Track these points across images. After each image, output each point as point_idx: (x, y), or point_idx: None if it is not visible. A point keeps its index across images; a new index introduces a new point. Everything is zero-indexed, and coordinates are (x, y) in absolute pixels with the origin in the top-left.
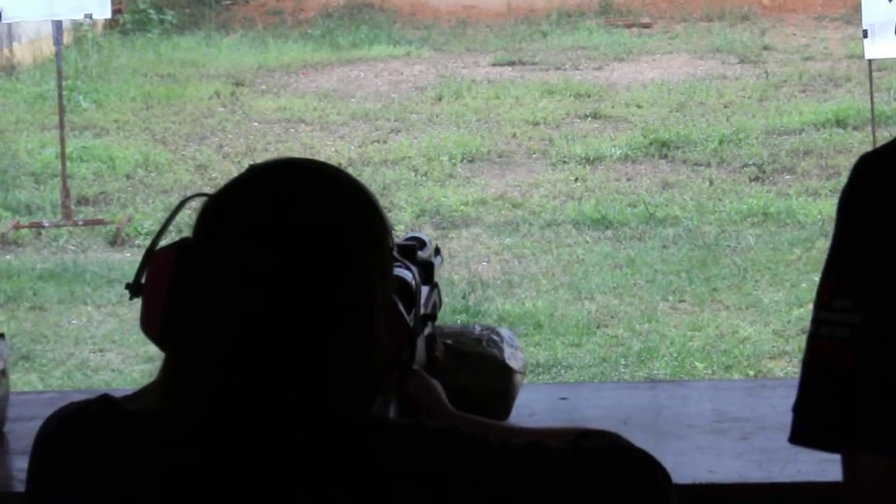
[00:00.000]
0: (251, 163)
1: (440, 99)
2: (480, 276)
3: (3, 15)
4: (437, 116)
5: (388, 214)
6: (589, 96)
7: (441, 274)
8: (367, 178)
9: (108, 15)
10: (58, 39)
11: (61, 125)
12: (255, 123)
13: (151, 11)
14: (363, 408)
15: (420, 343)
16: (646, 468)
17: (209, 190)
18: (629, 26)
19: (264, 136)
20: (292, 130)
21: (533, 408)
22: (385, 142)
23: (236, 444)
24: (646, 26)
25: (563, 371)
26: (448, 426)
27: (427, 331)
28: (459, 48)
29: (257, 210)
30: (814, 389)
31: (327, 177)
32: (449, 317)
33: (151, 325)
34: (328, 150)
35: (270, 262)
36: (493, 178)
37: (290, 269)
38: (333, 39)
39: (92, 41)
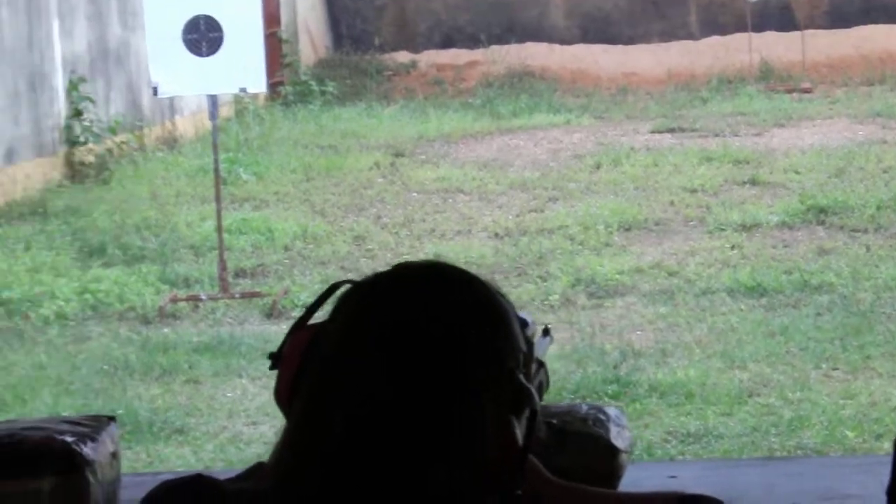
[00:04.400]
0: (408, 234)
1: (598, 167)
2: (633, 346)
3: (158, 90)
4: (595, 184)
5: (543, 284)
6: (748, 162)
7: (546, 353)
8: (524, 247)
9: (263, 89)
10: (213, 114)
11: (217, 198)
12: (414, 194)
13: (313, 83)
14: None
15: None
16: None
17: (359, 273)
18: (789, 91)
19: (422, 207)
20: (450, 200)
21: (641, 486)
22: (542, 210)
23: None
24: (806, 91)
25: (713, 441)
26: None
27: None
28: (619, 115)
29: (389, 311)
30: None
31: (465, 290)
32: (600, 387)
33: (281, 399)
34: (486, 220)
35: (389, 366)
36: (650, 247)
37: (404, 377)
38: (493, 108)
39: (253, 113)
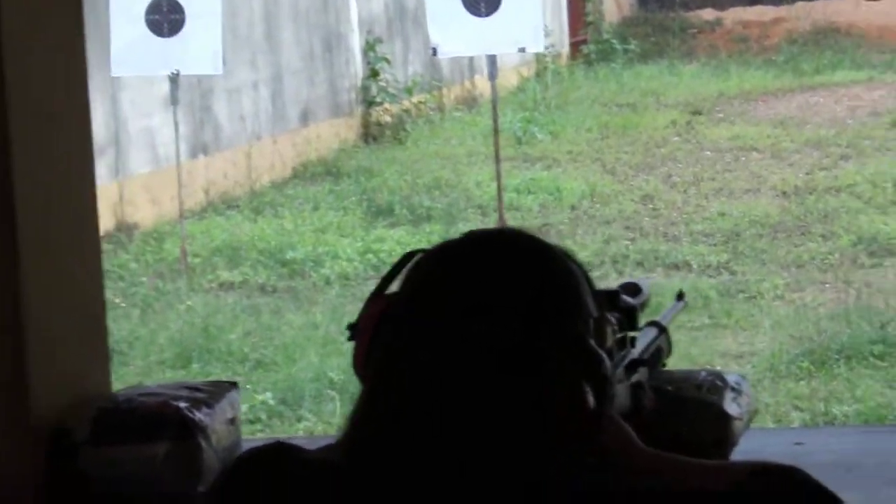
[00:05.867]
0: (696, 192)
1: (895, 125)
2: None
3: (437, 50)
4: (889, 142)
5: (825, 243)
6: None
7: (674, 319)
8: (810, 205)
9: (541, 48)
10: (492, 74)
11: (497, 159)
12: (707, 152)
13: (615, 41)
14: (538, 468)
15: (624, 389)
16: None
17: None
18: None
19: (713, 165)
20: (742, 159)
21: (764, 453)
22: (833, 168)
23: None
24: None
25: None
26: (605, 482)
27: (636, 377)
28: None
29: (456, 279)
30: None
31: (532, 258)
32: (866, 346)
33: (357, 369)
34: (774, 179)
35: (457, 332)
36: None
37: (471, 343)
38: (797, 65)
39: (554, 72)
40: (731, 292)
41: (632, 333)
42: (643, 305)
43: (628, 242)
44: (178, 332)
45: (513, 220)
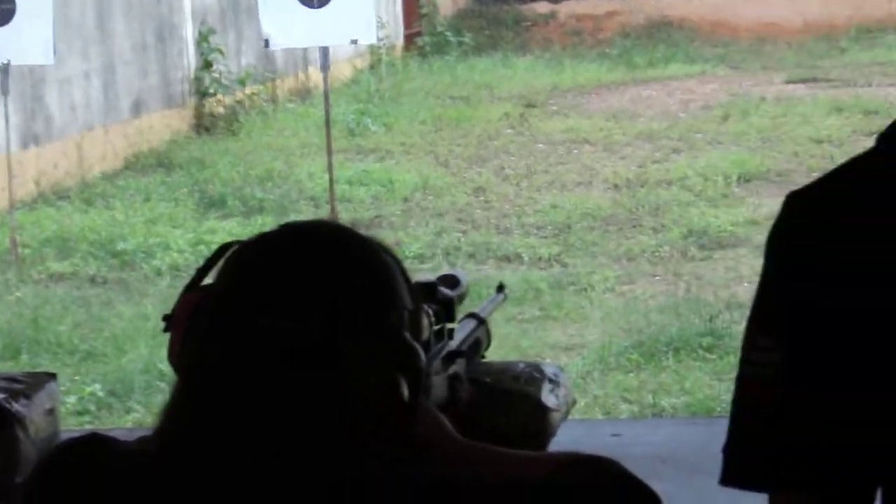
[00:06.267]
0: (528, 185)
1: (727, 118)
2: (738, 299)
3: (270, 42)
4: (721, 135)
5: (656, 236)
6: (877, 113)
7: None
8: (641, 198)
9: (374, 40)
10: (324, 66)
11: (329, 151)
12: (540, 145)
13: (449, 34)
14: (345, 462)
15: (441, 381)
16: (635, 501)
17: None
18: None
19: (546, 158)
20: (575, 151)
21: (581, 444)
22: (664, 161)
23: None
24: None
25: None
26: (421, 473)
27: (453, 368)
28: (755, 66)
29: (270, 270)
30: (740, 430)
31: (347, 249)
32: (694, 339)
33: (172, 360)
34: (606, 171)
35: (269, 324)
36: (769, 198)
37: (284, 335)
38: (630, 59)
39: (388, 64)
40: (562, 284)
41: (450, 325)
42: (461, 297)
43: (460, 235)
44: (6, 324)
45: (345, 212)
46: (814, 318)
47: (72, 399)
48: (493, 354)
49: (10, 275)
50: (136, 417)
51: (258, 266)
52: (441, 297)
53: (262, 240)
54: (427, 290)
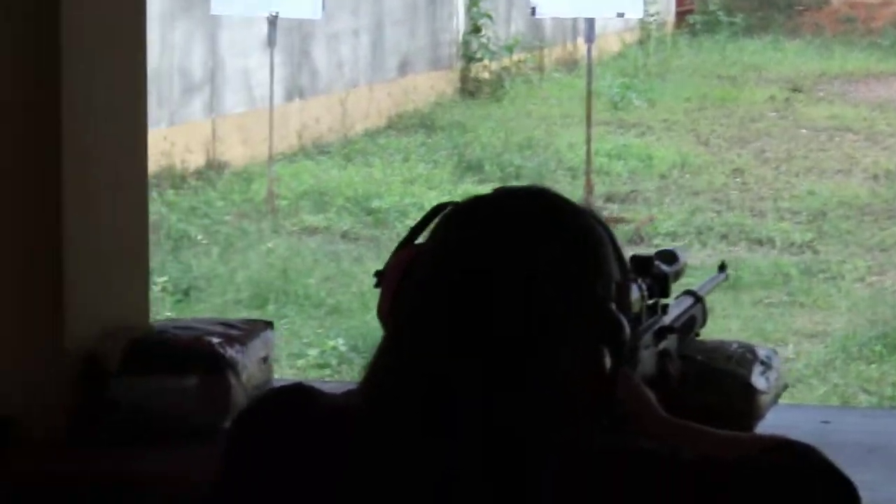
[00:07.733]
0: (786, 170)
1: None
2: None
3: (536, 10)
4: None
5: None
6: None
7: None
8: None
9: (640, 14)
10: (589, 37)
11: (588, 123)
12: (803, 130)
13: (721, 13)
14: (555, 424)
15: (650, 355)
16: (831, 491)
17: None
18: None
19: (807, 144)
20: (837, 139)
21: (789, 429)
22: None
23: (427, 447)
24: None
25: None
26: (619, 445)
27: (664, 344)
28: None
29: (481, 235)
30: None
31: (559, 218)
32: None
33: (382, 316)
34: (867, 161)
35: (477, 289)
36: None
37: (491, 300)
38: None
39: (658, 40)
40: (812, 271)
41: (664, 301)
42: (678, 274)
43: (714, 215)
44: (256, 273)
45: (601, 185)
46: None
47: (314, 352)
48: (736, 336)
49: (265, 225)
50: None
51: (469, 228)
52: (656, 271)
53: (476, 203)
54: (642, 265)
